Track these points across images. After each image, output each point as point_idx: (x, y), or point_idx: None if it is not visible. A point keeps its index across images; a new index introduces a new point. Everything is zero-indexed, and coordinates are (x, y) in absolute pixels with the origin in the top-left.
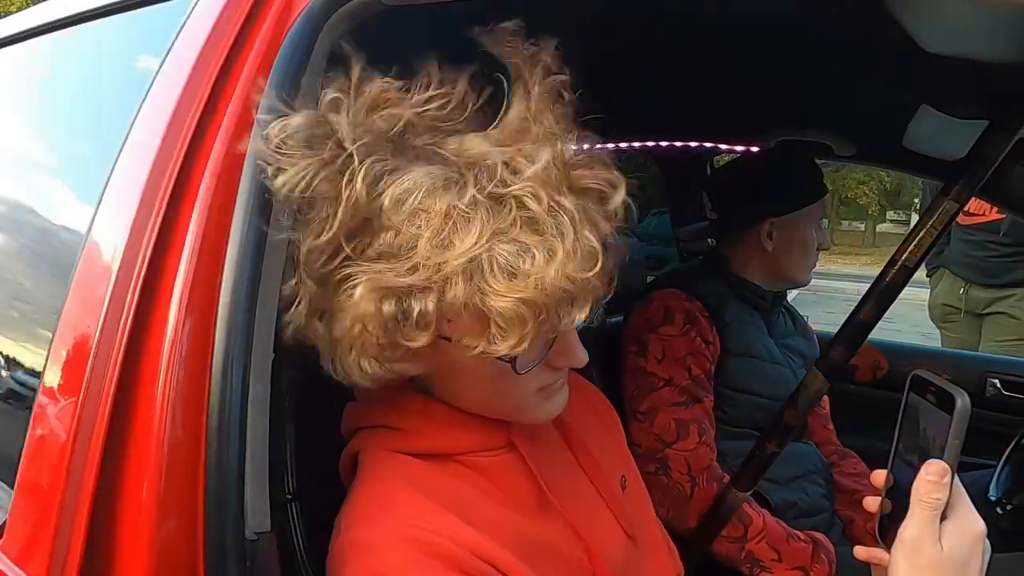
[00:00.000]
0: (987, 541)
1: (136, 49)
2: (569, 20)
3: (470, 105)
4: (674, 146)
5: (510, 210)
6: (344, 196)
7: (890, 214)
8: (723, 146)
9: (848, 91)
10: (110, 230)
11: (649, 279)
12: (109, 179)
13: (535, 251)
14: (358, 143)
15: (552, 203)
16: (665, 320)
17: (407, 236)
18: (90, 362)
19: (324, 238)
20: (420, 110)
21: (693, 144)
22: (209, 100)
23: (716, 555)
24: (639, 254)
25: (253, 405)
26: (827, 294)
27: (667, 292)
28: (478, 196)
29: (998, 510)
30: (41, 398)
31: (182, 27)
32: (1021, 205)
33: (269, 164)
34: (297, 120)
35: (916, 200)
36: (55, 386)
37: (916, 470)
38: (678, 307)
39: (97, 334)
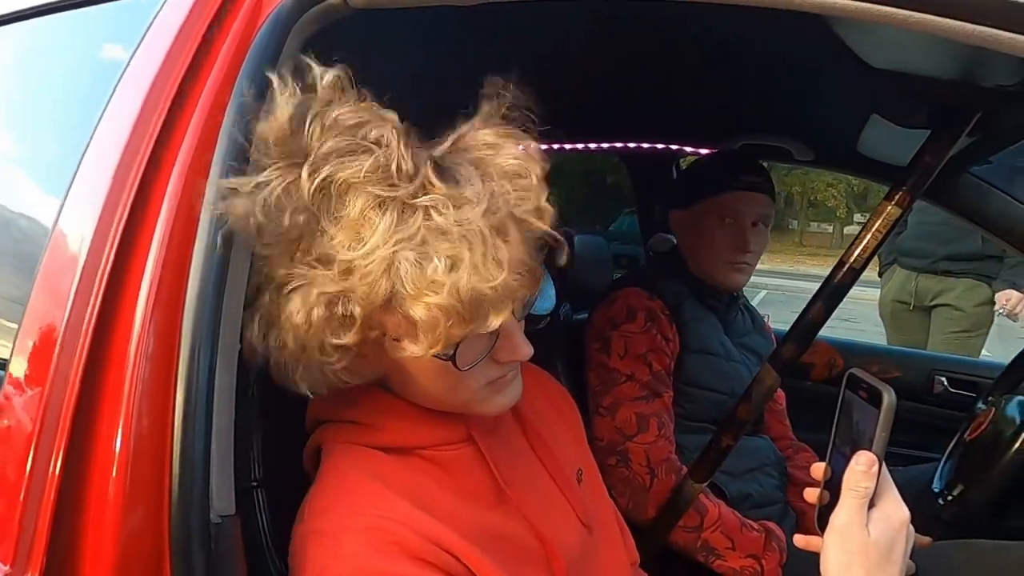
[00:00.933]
0: (911, 527)
1: (105, 42)
2: (536, 23)
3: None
4: (641, 147)
5: (418, 217)
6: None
7: (857, 216)
8: (688, 149)
9: (804, 100)
10: (77, 222)
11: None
12: (77, 171)
13: (444, 259)
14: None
15: (461, 214)
16: (628, 318)
17: (334, 236)
18: (56, 352)
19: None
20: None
21: (660, 146)
22: (177, 96)
23: (673, 544)
24: (606, 253)
25: (219, 394)
26: (795, 294)
27: (630, 291)
28: (389, 200)
29: (940, 501)
30: (7, 387)
31: (152, 22)
32: (965, 210)
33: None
34: (265, 128)
35: None
36: (21, 376)
37: (848, 462)
38: (640, 305)
39: (63, 325)
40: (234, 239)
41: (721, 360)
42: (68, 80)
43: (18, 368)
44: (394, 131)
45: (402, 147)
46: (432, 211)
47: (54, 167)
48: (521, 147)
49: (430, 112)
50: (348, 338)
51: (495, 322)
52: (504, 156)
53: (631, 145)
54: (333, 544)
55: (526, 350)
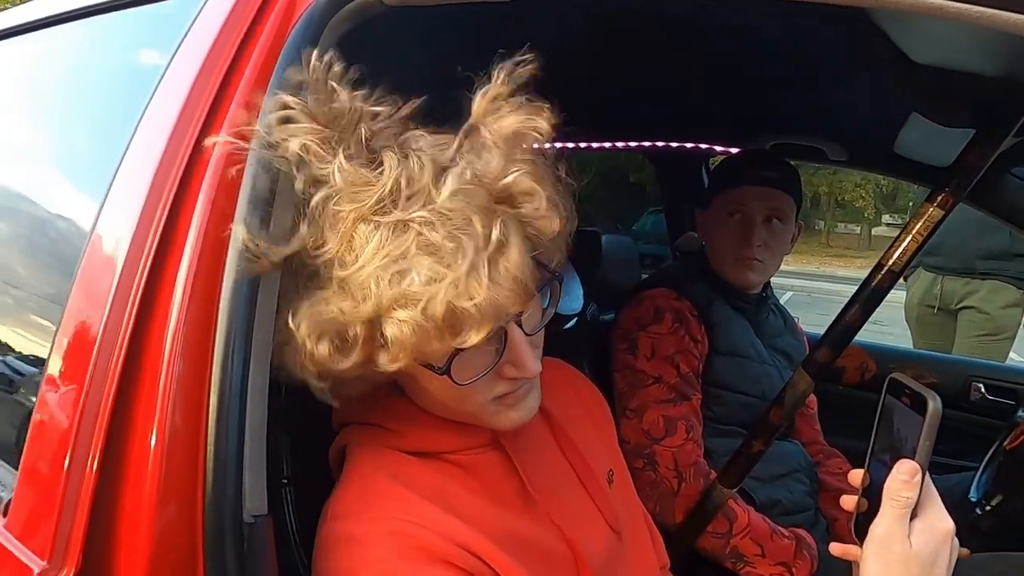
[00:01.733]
0: (955, 540)
1: (144, 45)
2: (567, 22)
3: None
4: (669, 147)
5: (410, 234)
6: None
7: (886, 217)
8: (719, 148)
9: (841, 98)
10: (116, 224)
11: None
12: (116, 174)
13: (421, 274)
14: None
15: (455, 227)
16: (655, 319)
17: (327, 252)
18: (95, 350)
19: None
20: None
21: (689, 145)
22: (216, 99)
23: (701, 550)
24: (634, 253)
25: (252, 393)
26: (821, 296)
27: (657, 291)
28: (380, 218)
29: (978, 511)
30: (46, 384)
31: (191, 25)
32: (1009, 213)
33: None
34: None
35: (912, 203)
36: (59, 373)
37: (889, 469)
38: (668, 306)
39: (102, 325)
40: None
41: (752, 362)
42: (108, 83)
43: (56, 367)
44: (398, 148)
45: (409, 162)
46: (426, 228)
47: (94, 169)
48: (531, 151)
49: (448, 111)
50: (348, 362)
51: (473, 338)
52: (512, 168)
53: (659, 144)
54: (360, 549)
55: (533, 367)
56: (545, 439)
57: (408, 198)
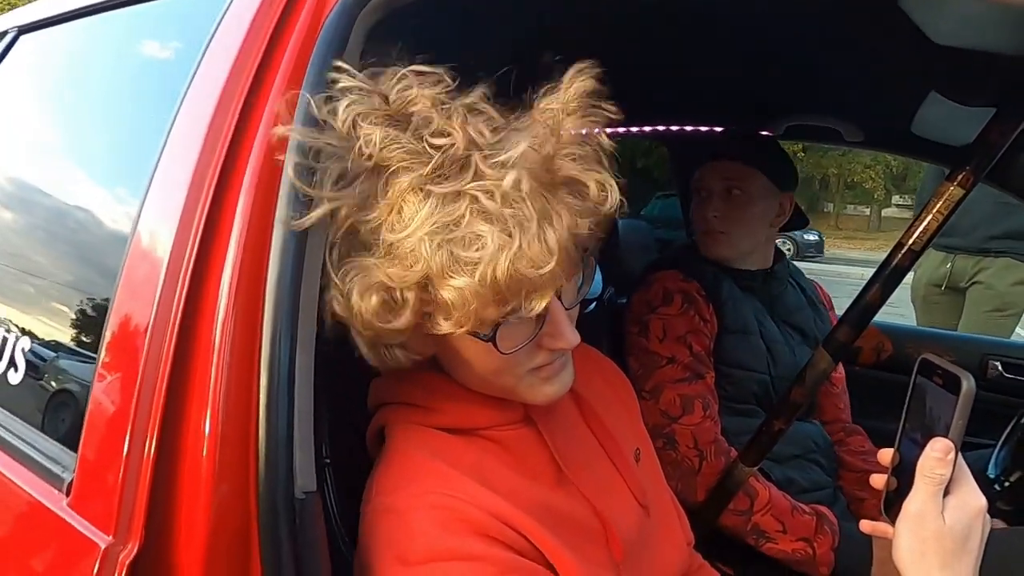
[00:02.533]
0: (987, 516)
1: (177, 38)
2: (586, 7)
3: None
4: (684, 130)
5: (464, 201)
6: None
7: (896, 198)
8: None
9: (858, 78)
10: (160, 215)
11: None
12: (156, 167)
13: (484, 240)
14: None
15: (513, 199)
16: (664, 301)
17: (377, 217)
18: (147, 336)
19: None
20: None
21: (703, 129)
22: (251, 90)
23: (723, 527)
24: (649, 238)
25: (300, 376)
26: (831, 278)
27: (666, 274)
28: (434, 187)
29: (996, 487)
30: (101, 369)
31: (222, 17)
32: None
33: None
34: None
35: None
36: (113, 358)
37: (921, 449)
38: (676, 288)
39: (152, 316)
40: (309, 229)
41: (758, 339)
42: (140, 74)
43: (109, 353)
44: (458, 121)
45: (465, 132)
46: (482, 196)
47: (132, 162)
48: (585, 137)
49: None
50: (399, 322)
51: (539, 306)
52: (565, 150)
53: (673, 128)
54: (403, 522)
55: (572, 338)
56: (574, 418)
57: (462, 168)
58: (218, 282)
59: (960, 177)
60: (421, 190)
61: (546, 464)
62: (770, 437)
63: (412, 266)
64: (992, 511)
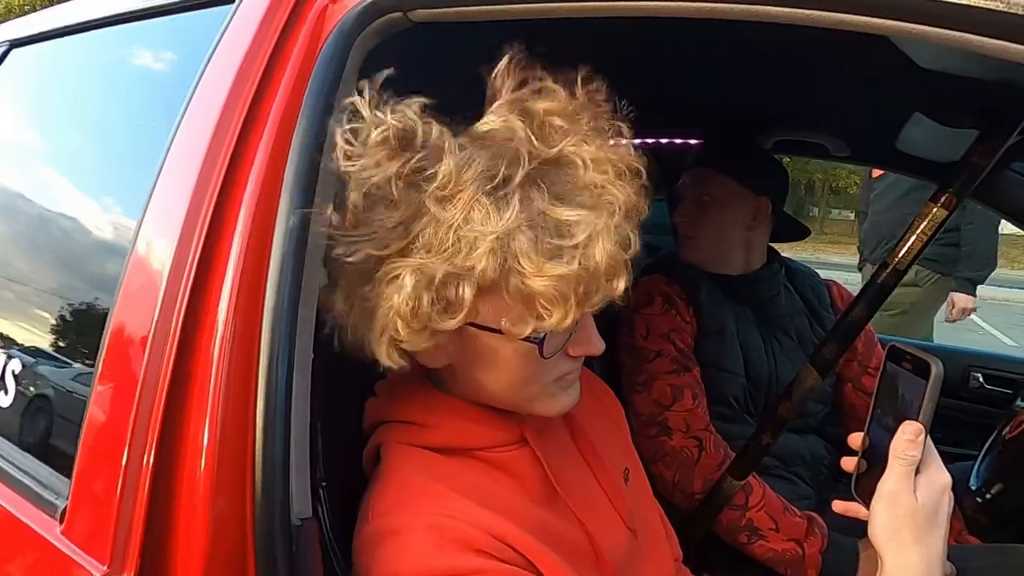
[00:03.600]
0: (951, 492)
1: (174, 56)
2: (568, 26)
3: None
4: (673, 142)
5: (547, 190)
6: (406, 194)
7: None
8: None
9: (845, 97)
10: (158, 235)
11: None
12: (156, 183)
13: (577, 229)
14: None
15: (598, 182)
16: (646, 302)
17: (446, 222)
18: (145, 359)
19: (379, 235)
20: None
21: (692, 141)
22: (250, 111)
23: (717, 523)
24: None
25: (296, 400)
26: None
27: (650, 278)
28: (513, 179)
29: (978, 499)
30: (96, 395)
31: (220, 37)
32: (1006, 207)
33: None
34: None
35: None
36: (111, 383)
37: (891, 432)
38: (658, 291)
39: (151, 333)
40: (307, 249)
41: (733, 341)
42: (140, 91)
43: (108, 374)
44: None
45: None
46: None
47: (130, 179)
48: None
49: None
50: (451, 323)
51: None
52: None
53: (663, 141)
54: (399, 543)
55: (599, 344)
56: (566, 440)
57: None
58: (216, 305)
59: (943, 199)
60: (491, 195)
61: (541, 485)
62: (757, 451)
63: (485, 262)
64: (974, 522)
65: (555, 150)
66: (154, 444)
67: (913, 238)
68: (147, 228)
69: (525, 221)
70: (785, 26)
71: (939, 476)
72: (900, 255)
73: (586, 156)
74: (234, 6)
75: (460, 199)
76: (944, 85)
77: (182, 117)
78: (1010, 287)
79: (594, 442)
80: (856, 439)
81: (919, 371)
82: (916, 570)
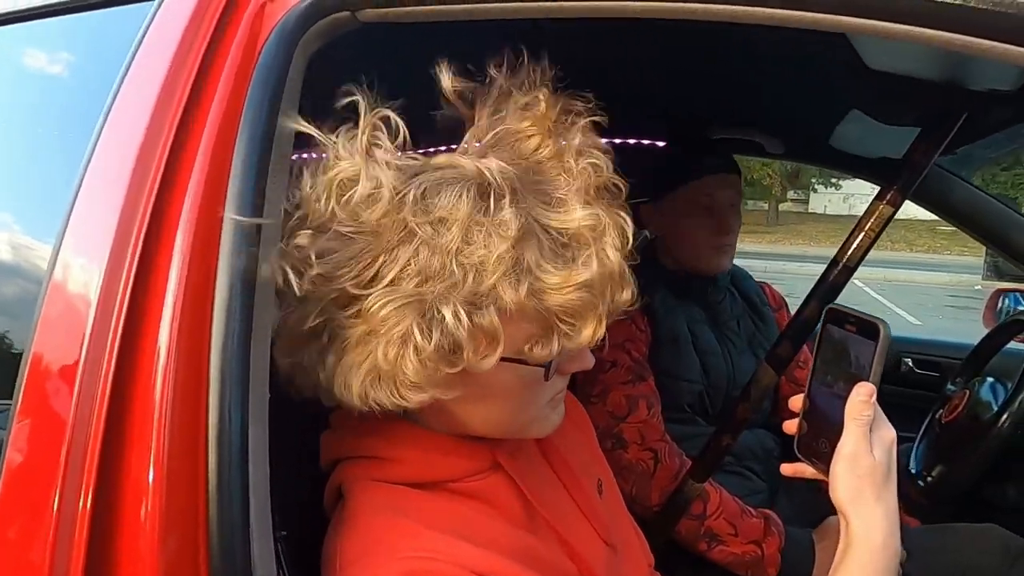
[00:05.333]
0: (895, 448)
1: (82, 58)
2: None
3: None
4: (612, 142)
5: (538, 200)
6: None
7: (791, 193)
8: (660, 144)
9: (783, 95)
10: (82, 256)
11: None
12: (75, 198)
13: (584, 229)
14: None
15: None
16: None
17: (442, 250)
18: (75, 394)
19: (359, 267)
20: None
21: (631, 142)
22: (183, 118)
23: (676, 533)
24: None
25: (254, 452)
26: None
27: None
28: (506, 192)
29: (920, 483)
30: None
31: (142, 39)
32: (934, 201)
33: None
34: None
35: (813, 180)
36: (33, 423)
37: (832, 392)
38: None
39: (80, 366)
40: (256, 283)
41: (688, 347)
42: (45, 100)
43: (27, 422)
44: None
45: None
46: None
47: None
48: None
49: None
50: (460, 364)
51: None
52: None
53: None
54: None
55: (591, 359)
56: (538, 460)
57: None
58: (153, 352)
59: (889, 196)
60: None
61: (521, 509)
62: (718, 452)
63: (501, 290)
64: (914, 506)
65: (534, 160)
66: (87, 524)
67: (861, 235)
68: (67, 249)
69: (528, 233)
70: (721, 23)
71: (887, 432)
72: (849, 253)
73: (567, 157)
74: (155, 4)
75: (450, 218)
76: (888, 83)
77: (103, 125)
78: (910, 268)
79: (567, 457)
80: (796, 401)
81: (865, 332)
82: (880, 526)
